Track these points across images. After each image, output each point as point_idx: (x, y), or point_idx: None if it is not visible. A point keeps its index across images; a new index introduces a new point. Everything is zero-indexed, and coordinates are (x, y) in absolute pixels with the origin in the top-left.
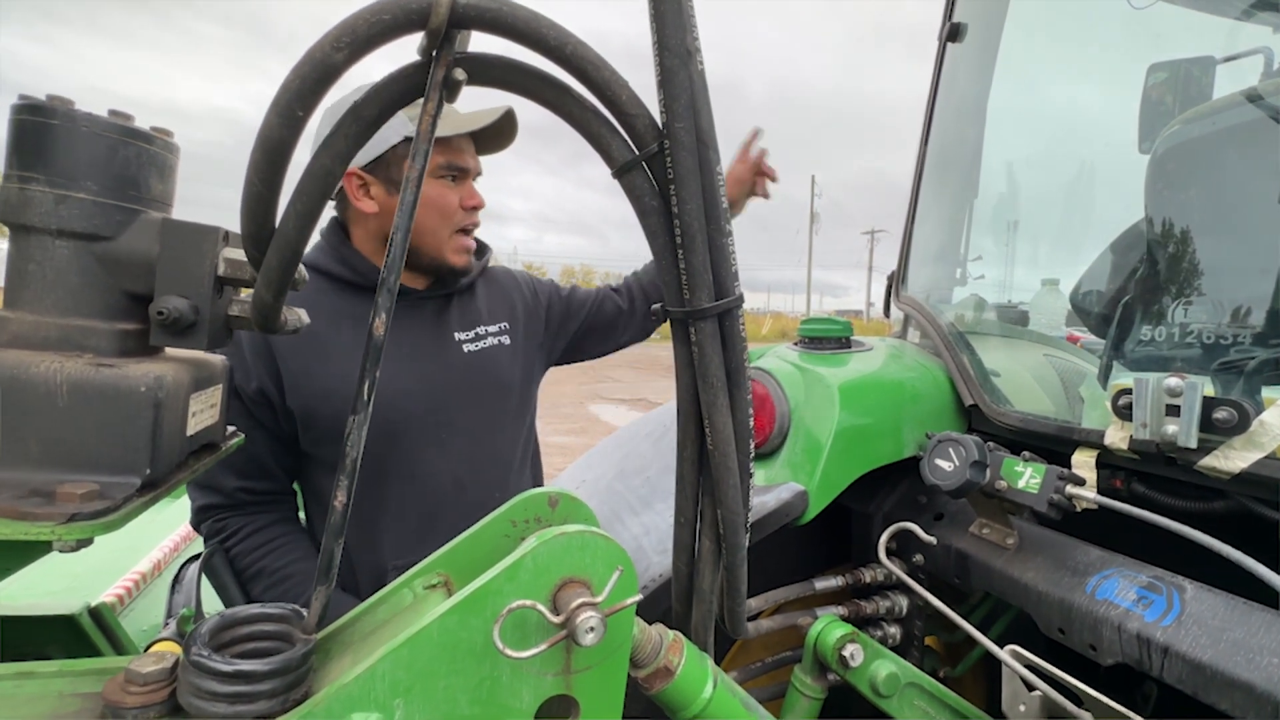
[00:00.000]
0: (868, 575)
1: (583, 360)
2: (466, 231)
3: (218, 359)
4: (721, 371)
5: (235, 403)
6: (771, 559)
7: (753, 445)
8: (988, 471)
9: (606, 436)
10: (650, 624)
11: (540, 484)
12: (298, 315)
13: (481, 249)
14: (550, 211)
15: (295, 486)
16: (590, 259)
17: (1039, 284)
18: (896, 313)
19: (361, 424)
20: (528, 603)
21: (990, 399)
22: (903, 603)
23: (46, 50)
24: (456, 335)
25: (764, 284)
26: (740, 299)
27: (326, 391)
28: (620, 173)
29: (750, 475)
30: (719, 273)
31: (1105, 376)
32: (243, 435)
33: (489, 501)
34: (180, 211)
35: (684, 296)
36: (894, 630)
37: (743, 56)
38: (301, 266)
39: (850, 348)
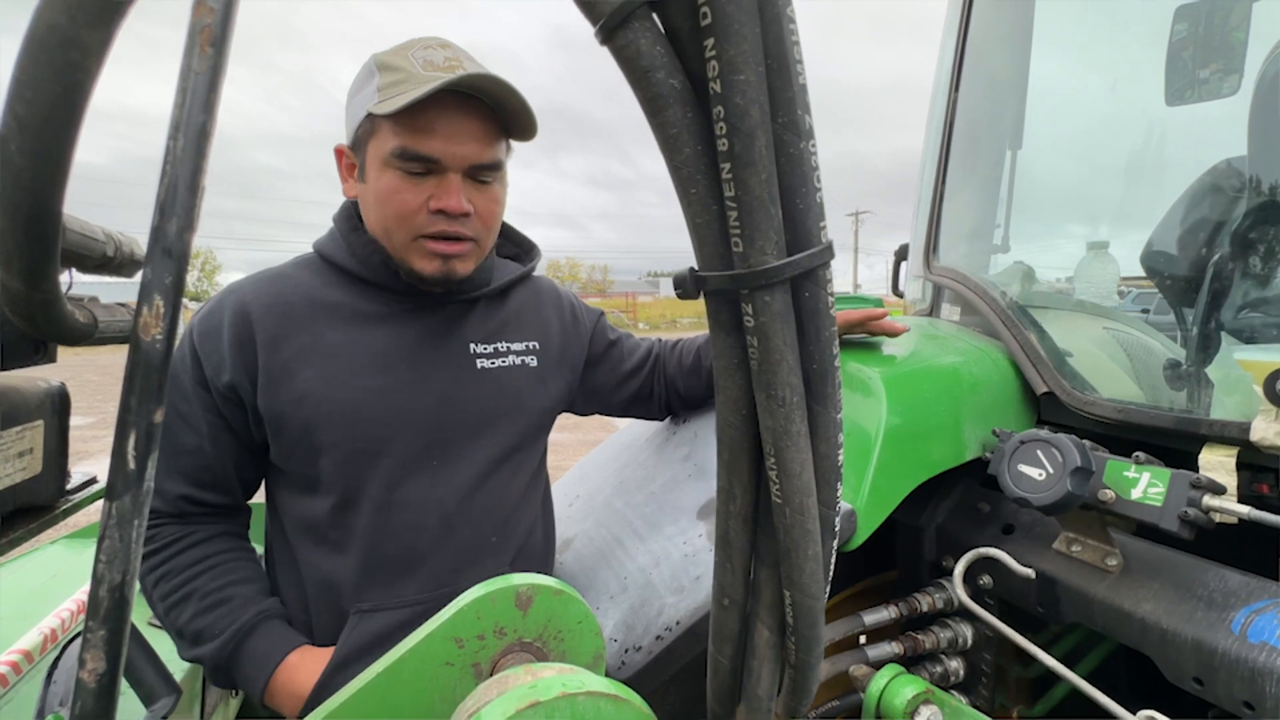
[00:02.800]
0: (924, 602)
1: (586, 414)
2: (437, 237)
3: (33, 384)
4: (798, 376)
5: (204, 395)
6: None
7: (840, 488)
8: (1092, 480)
9: (603, 439)
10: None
11: (550, 531)
12: (121, 312)
13: (529, 250)
14: (529, 205)
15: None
16: (575, 251)
17: (1084, 249)
18: (914, 290)
19: None
20: None
21: (1071, 385)
22: (966, 632)
23: None
24: (472, 347)
25: None
26: (830, 249)
27: (301, 396)
28: (610, 29)
29: (834, 534)
30: (794, 206)
31: (1202, 352)
32: (102, 484)
33: (483, 546)
34: (147, 220)
35: (732, 250)
36: (956, 665)
37: None
38: (99, 236)
39: None
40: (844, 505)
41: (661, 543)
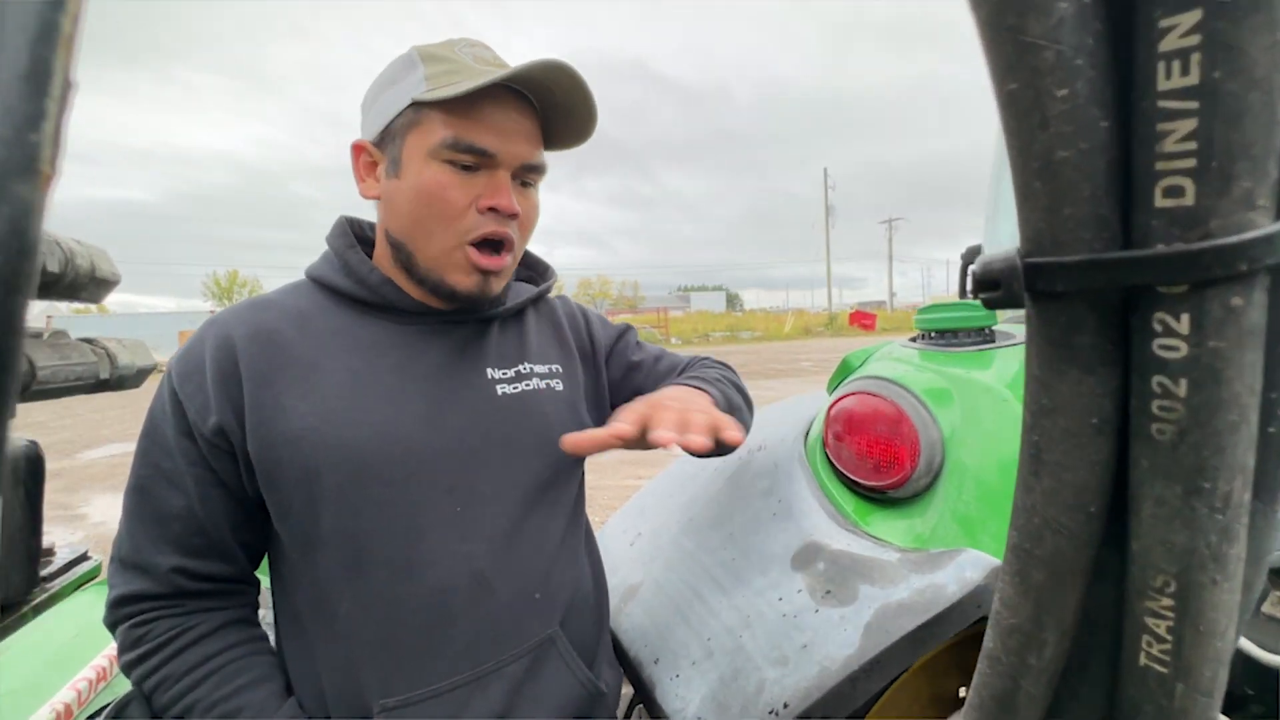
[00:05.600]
0: None
1: None
2: (483, 246)
3: None
4: (1253, 453)
5: (190, 447)
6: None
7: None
8: None
9: (644, 457)
10: None
11: (600, 578)
12: (83, 351)
13: (544, 270)
14: (555, 225)
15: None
16: (604, 268)
17: None
18: None
19: None
20: None
21: None
22: None
23: None
24: (490, 372)
25: (781, 281)
26: None
27: (296, 436)
28: None
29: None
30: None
31: None
32: (97, 560)
33: (526, 605)
34: (196, 252)
35: (1151, 207)
36: None
37: (724, 61)
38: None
39: (996, 341)
40: (983, 557)
41: (750, 598)
